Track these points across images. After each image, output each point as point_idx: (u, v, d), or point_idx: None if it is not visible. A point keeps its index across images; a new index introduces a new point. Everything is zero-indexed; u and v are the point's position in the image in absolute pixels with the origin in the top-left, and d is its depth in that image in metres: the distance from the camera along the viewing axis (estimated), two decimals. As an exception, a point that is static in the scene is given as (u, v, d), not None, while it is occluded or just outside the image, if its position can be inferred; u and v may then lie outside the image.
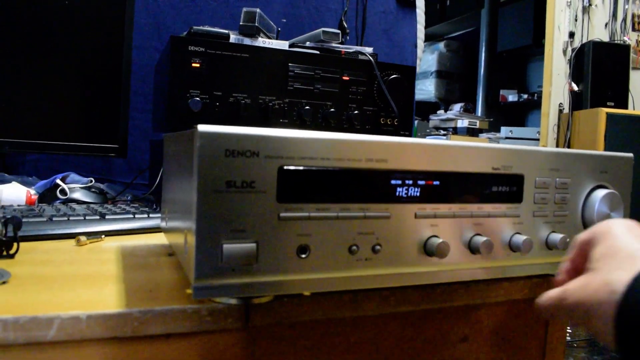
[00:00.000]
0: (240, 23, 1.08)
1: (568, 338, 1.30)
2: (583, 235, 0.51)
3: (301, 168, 0.48)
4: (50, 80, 1.05)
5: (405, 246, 0.53)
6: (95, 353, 0.47)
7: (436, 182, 0.55)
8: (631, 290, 0.41)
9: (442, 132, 4.27)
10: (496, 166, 0.58)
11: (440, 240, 0.53)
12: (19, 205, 0.96)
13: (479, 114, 5.07)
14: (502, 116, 5.07)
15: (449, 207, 0.56)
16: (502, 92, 5.11)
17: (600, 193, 0.65)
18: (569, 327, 1.33)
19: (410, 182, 0.53)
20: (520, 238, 0.59)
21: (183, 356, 0.51)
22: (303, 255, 0.48)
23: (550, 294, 0.50)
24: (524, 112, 5.17)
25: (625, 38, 3.47)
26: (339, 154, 0.49)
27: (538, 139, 3.65)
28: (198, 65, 0.97)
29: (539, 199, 0.61)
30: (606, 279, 0.43)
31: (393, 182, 0.52)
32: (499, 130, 4.32)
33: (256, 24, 1.08)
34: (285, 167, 0.47)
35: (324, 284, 0.50)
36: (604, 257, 0.46)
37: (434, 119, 4.50)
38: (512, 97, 5.02)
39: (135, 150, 1.42)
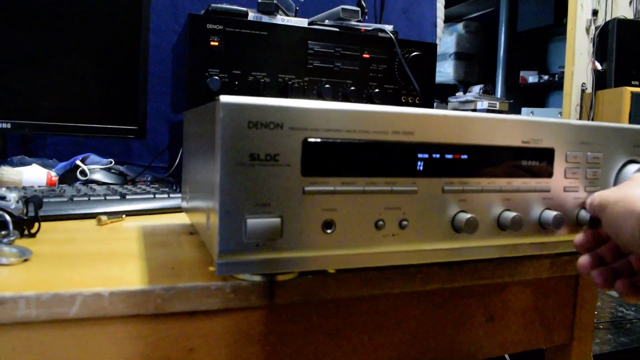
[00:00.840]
0: (259, 0, 1.07)
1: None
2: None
3: (326, 140, 0.46)
4: (70, 63, 1.05)
5: (433, 221, 0.52)
6: (118, 330, 0.47)
7: (464, 156, 0.53)
8: None
9: (475, 112, 4.21)
10: (526, 139, 0.56)
11: (469, 216, 0.52)
12: (39, 187, 0.96)
13: (499, 96, 5.00)
14: (522, 98, 5.00)
15: (478, 182, 0.54)
16: (522, 73, 5.03)
17: (633, 168, 0.63)
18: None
19: (438, 155, 0.51)
20: (550, 214, 0.57)
21: (207, 334, 0.50)
22: (328, 231, 0.47)
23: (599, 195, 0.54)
24: (544, 94, 5.09)
25: (650, 15, 3.39)
26: (364, 126, 0.48)
27: (560, 120, 3.58)
28: (217, 43, 0.96)
29: (570, 174, 0.59)
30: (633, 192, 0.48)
31: (420, 155, 0.51)
32: (519, 112, 4.27)
33: (275, 1, 1.06)
34: (310, 140, 0.45)
35: (349, 260, 0.49)
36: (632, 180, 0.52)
37: (453, 101, 4.45)
38: (532, 78, 4.94)
39: (154, 133, 1.42)
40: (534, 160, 0.57)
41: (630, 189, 0.49)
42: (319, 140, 0.46)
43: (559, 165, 0.59)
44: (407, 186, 0.50)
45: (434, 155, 0.51)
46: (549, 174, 0.58)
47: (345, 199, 0.48)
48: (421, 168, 0.51)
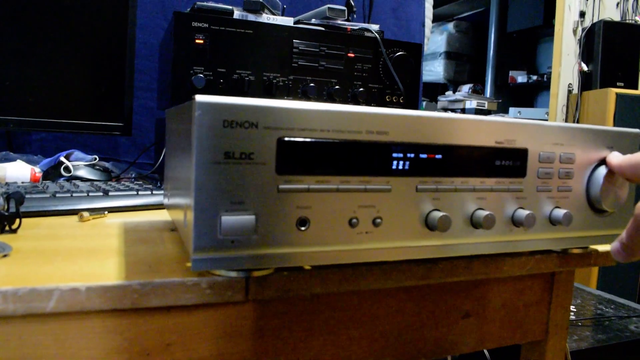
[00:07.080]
0: (244, -1, 1.07)
1: (573, 317, 1.30)
2: None
3: (301, 140, 0.47)
4: (55, 59, 1.05)
5: (407, 220, 0.53)
6: (95, 324, 0.48)
7: (438, 156, 0.54)
8: None
9: (451, 113, 4.23)
10: (499, 140, 0.58)
11: (442, 214, 0.53)
12: (23, 183, 0.97)
13: (488, 95, 5.03)
14: (511, 97, 5.03)
15: (451, 181, 0.55)
16: (511, 73, 5.05)
17: (606, 169, 0.64)
18: (573, 306, 1.33)
19: (412, 155, 0.52)
20: (523, 213, 0.58)
21: (184, 329, 0.51)
22: (303, 228, 0.48)
23: None
24: (533, 94, 5.12)
25: (637, 17, 3.41)
26: (339, 125, 0.49)
27: (547, 120, 3.61)
28: (202, 41, 0.96)
29: (542, 174, 0.60)
30: None
31: (394, 154, 0.52)
32: (507, 112, 4.29)
33: (261, 0, 1.07)
34: (284, 139, 0.46)
35: (324, 257, 0.50)
36: None
37: (442, 100, 4.47)
38: (521, 78, 4.96)
39: (140, 129, 1.42)
40: (508, 160, 0.58)
41: None
42: (293, 139, 0.47)
43: (532, 166, 0.60)
44: (381, 185, 0.51)
45: (408, 155, 0.52)
46: (522, 174, 0.59)
47: (320, 197, 0.48)
48: (395, 167, 0.52)
